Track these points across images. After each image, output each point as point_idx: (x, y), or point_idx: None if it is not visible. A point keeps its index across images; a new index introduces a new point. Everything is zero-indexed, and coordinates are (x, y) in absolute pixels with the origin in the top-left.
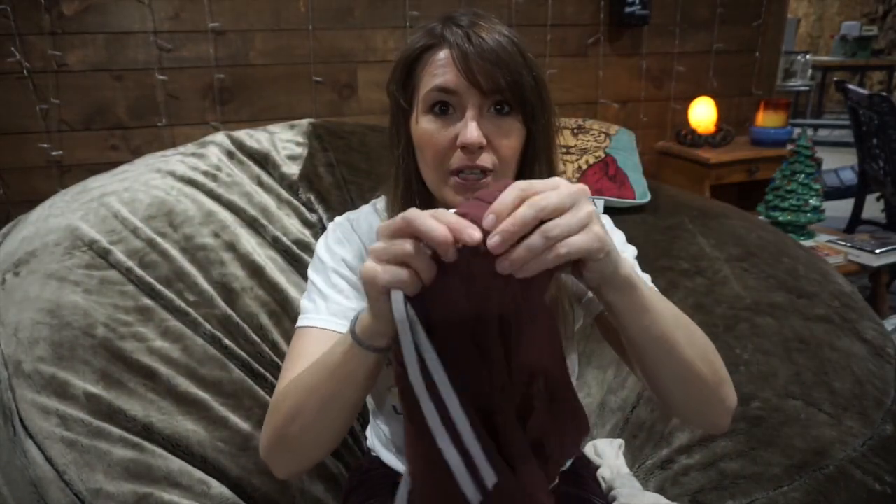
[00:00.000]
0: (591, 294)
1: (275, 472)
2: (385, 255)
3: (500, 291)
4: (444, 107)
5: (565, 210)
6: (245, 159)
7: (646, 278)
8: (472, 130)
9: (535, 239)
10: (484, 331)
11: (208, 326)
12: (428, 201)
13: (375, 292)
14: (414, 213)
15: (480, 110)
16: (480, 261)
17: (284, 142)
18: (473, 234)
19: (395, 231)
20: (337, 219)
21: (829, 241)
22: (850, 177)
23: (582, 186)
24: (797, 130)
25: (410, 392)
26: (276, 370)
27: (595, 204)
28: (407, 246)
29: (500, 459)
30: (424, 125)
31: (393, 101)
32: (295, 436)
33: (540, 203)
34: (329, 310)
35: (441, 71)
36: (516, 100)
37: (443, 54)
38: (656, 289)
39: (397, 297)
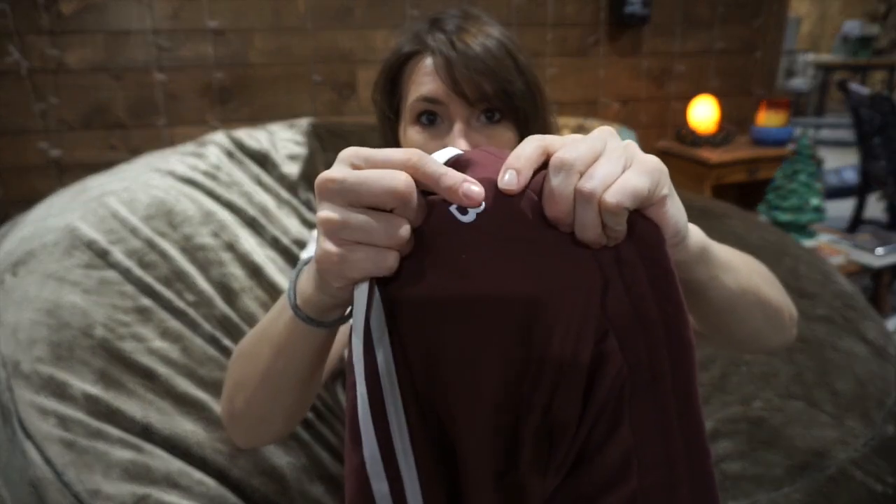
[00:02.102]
0: None
1: (234, 440)
2: (355, 234)
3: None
4: (431, 116)
5: (598, 155)
6: (244, 159)
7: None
8: (460, 145)
9: (582, 210)
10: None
11: (208, 326)
12: None
13: (342, 282)
14: (400, 178)
15: (468, 121)
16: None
17: (284, 141)
18: (474, 192)
19: (374, 195)
20: None
21: (831, 241)
22: (851, 176)
23: (605, 128)
24: (798, 130)
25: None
26: None
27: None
28: (402, 231)
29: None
30: (412, 136)
31: (378, 110)
32: (241, 409)
33: (566, 159)
34: None
35: (426, 80)
36: (506, 107)
37: (427, 62)
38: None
39: (362, 290)
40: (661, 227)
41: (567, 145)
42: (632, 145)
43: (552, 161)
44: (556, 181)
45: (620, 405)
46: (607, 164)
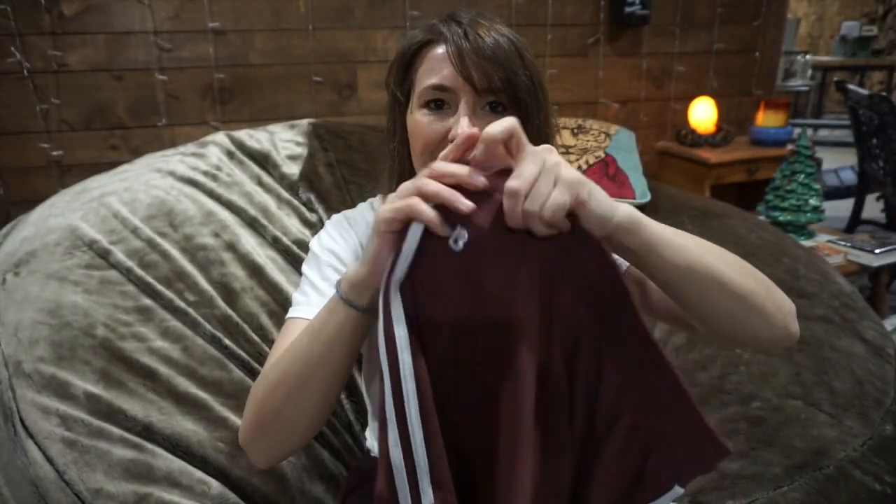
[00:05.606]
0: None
1: (253, 458)
2: (399, 194)
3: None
4: (438, 103)
5: (537, 177)
6: (245, 159)
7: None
8: (463, 125)
9: (530, 223)
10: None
11: (208, 326)
12: None
13: (389, 220)
14: (422, 180)
15: (474, 108)
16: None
17: (284, 142)
18: (462, 204)
19: (402, 192)
20: (334, 216)
21: (829, 241)
22: (849, 177)
23: (544, 146)
24: (797, 130)
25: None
26: None
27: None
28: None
29: (447, 476)
30: (418, 118)
31: (391, 94)
32: (275, 410)
33: (513, 188)
34: (321, 302)
35: (438, 67)
36: (510, 99)
37: (440, 50)
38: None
39: (415, 228)
40: (587, 218)
41: (514, 175)
42: (560, 164)
43: (506, 189)
44: (508, 205)
45: (600, 355)
46: (543, 185)
